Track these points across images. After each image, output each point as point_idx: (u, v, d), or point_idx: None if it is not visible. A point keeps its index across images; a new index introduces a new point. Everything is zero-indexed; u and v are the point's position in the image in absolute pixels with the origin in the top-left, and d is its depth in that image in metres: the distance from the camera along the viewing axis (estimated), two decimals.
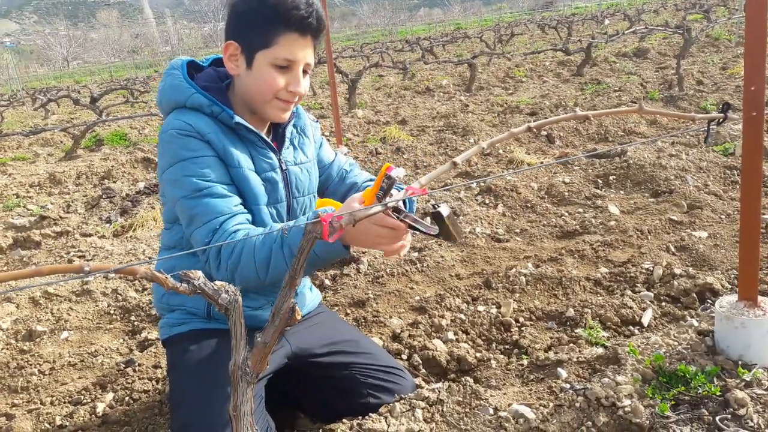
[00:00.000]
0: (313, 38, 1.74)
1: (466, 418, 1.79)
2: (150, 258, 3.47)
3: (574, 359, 2.12)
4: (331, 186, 2.12)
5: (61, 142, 9.04)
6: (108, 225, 4.56)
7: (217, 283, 1.27)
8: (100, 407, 2.26)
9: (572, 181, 4.10)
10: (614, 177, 4.15)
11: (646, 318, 2.61)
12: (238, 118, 1.74)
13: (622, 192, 4.01)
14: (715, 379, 1.82)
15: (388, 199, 1.34)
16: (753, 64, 1.76)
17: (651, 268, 2.92)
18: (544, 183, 4.10)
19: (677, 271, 2.86)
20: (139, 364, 2.52)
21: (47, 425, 2.18)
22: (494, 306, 2.74)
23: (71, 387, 2.39)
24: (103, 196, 5.38)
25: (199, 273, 1.26)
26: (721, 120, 1.80)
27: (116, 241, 3.98)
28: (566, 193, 3.94)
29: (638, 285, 2.84)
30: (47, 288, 3.16)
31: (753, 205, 1.88)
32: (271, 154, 1.84)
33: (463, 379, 1.98)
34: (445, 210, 1.39)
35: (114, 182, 5.97)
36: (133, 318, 2.91)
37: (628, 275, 2.91)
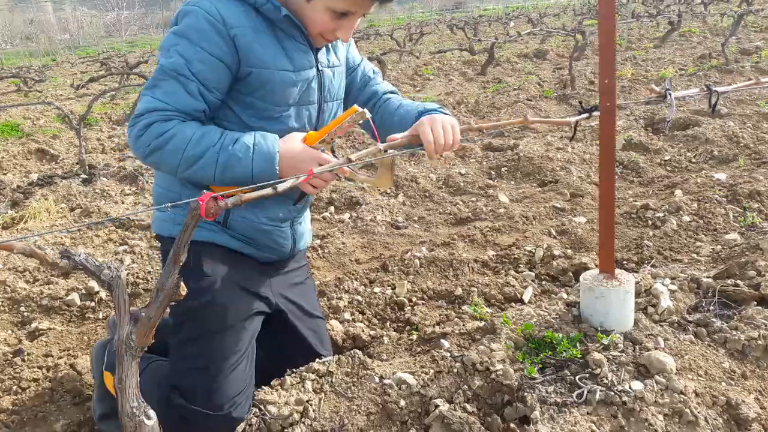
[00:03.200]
0: (379, 3, 1.75)
1: (353, 387, 1.91)
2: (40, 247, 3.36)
3: (457, 331, 2.29)
4: (353, 91, 2.10)
5: None
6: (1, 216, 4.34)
7: (99, 259, 1.30)
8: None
9: (468, 172, 4.33)
10: (506, 168, 4.42)
11: (527, 295, 2.83)
12: (285, 11, 1.72)
13: (512, 182, 4.28)
14: (578, 344, 2.03)
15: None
16: (605, 59, 1.98)
17: (533, 250, 3.16)
18: (442, 174, 4.31)
19: (557, 252, 3.11)
20: (29, 354, 2.46)
21: None
22: (390, 287, 2.88)
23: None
24: None
25: (81, 249, 1.30)
26: (588, 116, 2.01)
27: (5, 234, 3.81)
28: (462, 184, 4.16)
29: (521, 266, 3.07)
30: None
31: (608, 187, 2.11)
32: (310, 53, 1.83)
33: (352, 351, 2.10)
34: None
35: (4, 174, 5.66)
36: (22, 309, 2.82)
37: (512, 257, 3.14)
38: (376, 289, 2.85)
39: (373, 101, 2.11)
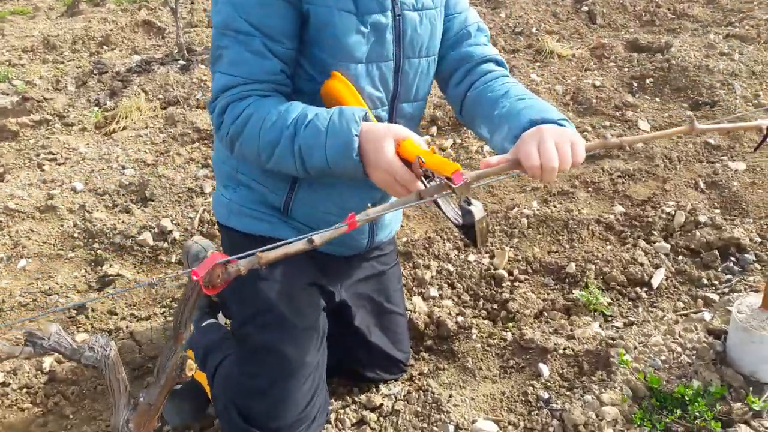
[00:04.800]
0: None
1: None
2: (123, 167, 3.20)
3: (561, 349, 1.85)
4: (444, 45, 1.59)
5: None
6: (96, 109, 4.25)
7: (79, 338, 1.00)
8: (47, 362, 2.11)
9: (603, 84, 3.56)
10: (652, 80, 3.59)
11: (657, 279, 2.30)
12: None
13: (657, 100, 3.48)
14: (717, 405, 1.55)
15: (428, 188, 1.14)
16: None
17: (672, 213, 2.54)
18: (570, 85, 3.58)
19: (702, 218, 2.48)
20: (93, 310, 2.34)
21: None
22: (487, 254, 2.44)
23: (19, 335, 2.24)
24: (94, 72, 5.00)
25: (53, 328, 1.01)
26: None
27: (94, 138, 3.68)
28: (594, 100, 3.44)
29: (655, 233, 2.49)
30: (8, 203, 2.94)
31: None
32: None
33: (425, 383, 1.74)
34: (477, 212, 1.14)
35: (112, 50, 5.53)
36: (96, 245, 2.70)
37: (645, 219, 2.55)
38: (471, 257, 2.42)
39: (465, 68, 1.56)
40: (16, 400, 1.98)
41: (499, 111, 1.42)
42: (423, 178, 1.22)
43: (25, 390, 2.02)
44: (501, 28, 4.51)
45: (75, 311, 2.33)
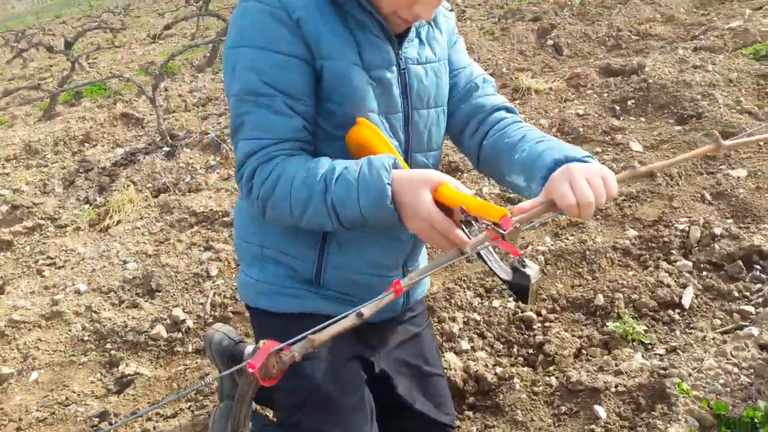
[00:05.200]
0: None
1: None
2: (125, 262, 3.13)
3: (612, 387, 1.79)
4: (454, 99, 1.60)
5: (40, 98, 8.47)
6: (87, 207, 4.20)
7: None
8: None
9: (586, 111, 3.61)
10: (633, 102, 3.65)
11: (687, 298, 2.26)
12: None
13: (643, 119, 3.53)
14: None
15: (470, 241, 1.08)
16: None
17: (687, 229, 2.53)
18: (555, 118, 3.62)
19: (717, 230, 2.47)
20: (115, 414, 2.24)
21: None
22: (511, 298, 2.39)
23: None
24: (80, 170, 4.98)
25: None
26: None
27: (90, 236, 3.62)
28: (581, 129, 3.47)
29: (673, 252, 2.47)
30: (12, 315, 2.85)
31: None
32: (388, 47, 1.40)
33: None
34: (533, 275, 1.11)
35: (94, 146, 5.53)
36: (108, 345, 2.61)
37: (660, 239, 2.53)
38: (496, 303, 2.37)
39: (477, 119, 1.55)
40: None
41: (519, 155, 1.40)
42: (463, 226, 1.18)
43: None
44: None
45: (97, 419, 2.23)
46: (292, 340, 0.88)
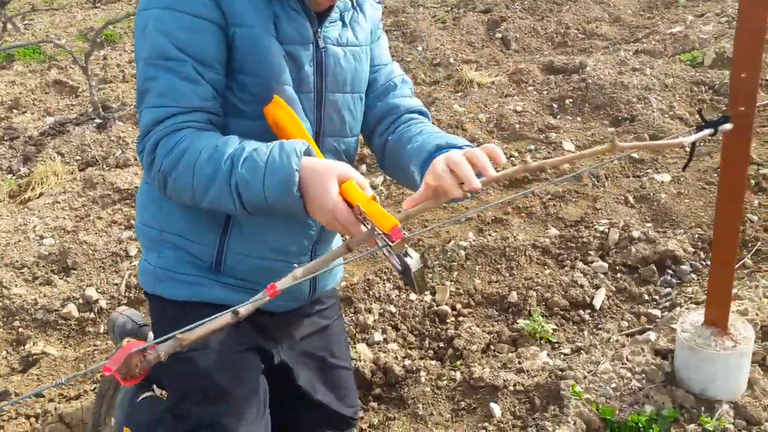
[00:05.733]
0: None
1: None
2: (41, 237, 3.01)
3: (511, 386, 1.81)
4: (371, 95, 1.57)
5: None
6: (9, 177, 4.02)
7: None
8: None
9: (525, 108, 3.63)
10: (571, 101, 3.69)
11: (599, 299, 2.31)
12: None
13: (579, 119, 3.57)
14: (672, 428, 1.53)
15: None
16: (747, 40, 1.31)
17: (606, 231, 2.57)
18: (493, 113, 3.63)
19: (635, 233, 2.53)
20: (16, 394, 2.16)
21: None
22: (428, 291, 2.40)
23: None
24: (5, 138, 4.76)
25: None
26: (713, 133, 1.36)
27: (8, 208, 3.47)
28: (517, 126, 3.49)
29: (591, 253, 2.51)
30: None
31: (730, 219, 1.50)
32: (306, 23, 1.36)
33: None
34: (413, 264, 1.09)
35: (23, 113, 5.29)
36: (17, 323, 2.51)
37: (580, 240, 2.58)
38: (413, 296, 2.37)
39: (390, 119, 1.53)
40: None
41: (411, 145, 1.41)
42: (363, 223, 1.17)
43: None
44: (419, 61, 4.57)
45: None
46: (158, 340, 0.86)
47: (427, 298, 2.36)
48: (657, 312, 2.21)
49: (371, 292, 2.40)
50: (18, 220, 3.22)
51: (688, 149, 1.37)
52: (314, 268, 1.00)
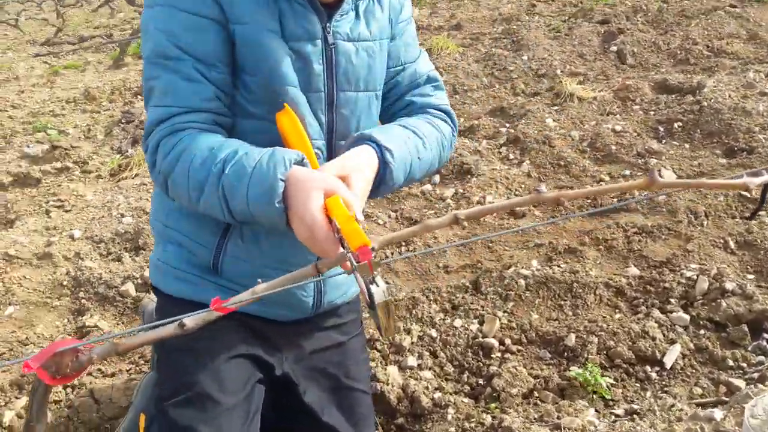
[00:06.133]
0: None
1: None
2: (122, 215, 3.15)
3: None
4: (391, 98, 1.50)
5: (113, 47, 8.78)
6: (118, 156, 4.29)
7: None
8: (8, 416, 2.02)
9: (625, 129, 3.30)
10: (680, 124, 3.30)
11: (671, 356, 2.02)
12: None
13: (687, 146, 3.19)
14: None
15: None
16: None
17: (695, 278, 2.25)
18: (588, 131, 3.34)
19: (729, 285, 2.19)
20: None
21: None
22: (476, 320, 2.21)
23: None
24: (122, 120, 5.10)
25: None
26: None
27: (104, 185, 3.69)
28: (613, 147, 3.18)
29: (672, 301, 2.21)
30: (9, 249, 2.93)
31: None
32: (314, 17, 1.30)
33: None
34: (378, 294, 0.98)
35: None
36: (81, 294, 2.63)
37: (661, 285, 2.28)
38: (458, 322, 2.20)
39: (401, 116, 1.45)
40: None
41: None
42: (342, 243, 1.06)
43: None
44: (523, 70, 4.32)
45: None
46: (92, 340, 0.82)
47: (473, 327, 2.18)
48: (741, 383, 1.89)
49: (414, 311, 2.26)
50: (107, 197, 3.40)
51: (756, 193, 1.10)
52: (277, 284, 0.95)
